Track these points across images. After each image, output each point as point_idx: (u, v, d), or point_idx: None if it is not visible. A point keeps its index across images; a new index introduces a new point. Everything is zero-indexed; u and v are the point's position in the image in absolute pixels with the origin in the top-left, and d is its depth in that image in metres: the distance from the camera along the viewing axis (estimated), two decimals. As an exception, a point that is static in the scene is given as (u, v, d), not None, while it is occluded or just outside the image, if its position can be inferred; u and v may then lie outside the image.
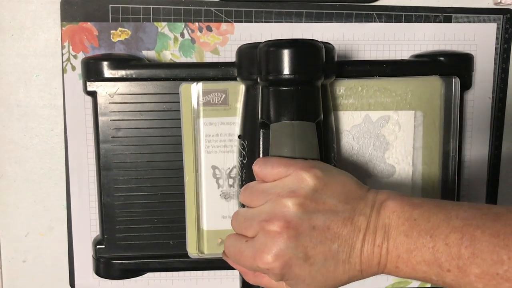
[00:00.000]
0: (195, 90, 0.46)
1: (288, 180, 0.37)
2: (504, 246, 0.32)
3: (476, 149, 0.54)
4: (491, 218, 0.33)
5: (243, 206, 0.41)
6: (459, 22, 0.53)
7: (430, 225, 0.35)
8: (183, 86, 0.46)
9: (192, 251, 0.48)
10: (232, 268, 0.43)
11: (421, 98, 0.47)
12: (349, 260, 0.36)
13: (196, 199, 0.48)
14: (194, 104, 0.47)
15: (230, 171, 0.48)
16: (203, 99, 0.47)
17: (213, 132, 0.47)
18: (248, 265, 0.37)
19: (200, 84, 0.46)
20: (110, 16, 0.51)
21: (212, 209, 0.48)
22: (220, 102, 0.47)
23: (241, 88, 0.46)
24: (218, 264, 0.50)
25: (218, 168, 0.48)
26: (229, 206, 0.48)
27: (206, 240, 0.48)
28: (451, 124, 0.48)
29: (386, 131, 0.47)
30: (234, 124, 0.47)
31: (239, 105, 0.46)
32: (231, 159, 0.48)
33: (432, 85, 0.47)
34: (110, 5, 0.51)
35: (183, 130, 0.47)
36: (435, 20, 0.53)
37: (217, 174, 0.48)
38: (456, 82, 0.47)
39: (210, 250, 0.49)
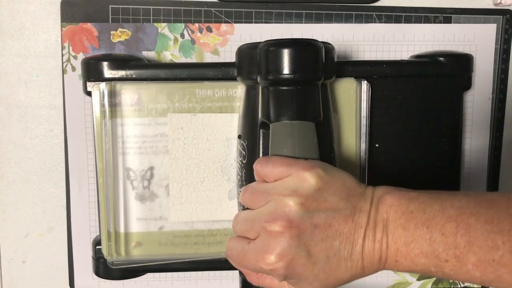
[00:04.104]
0: (106, 90, 0.46)
1: (289, 180, 0.37)
2: (498, 232, 0.32)
3: (476, 149, 0.54)
4: (485, 205, 0.34)
5: (243, 206, 0.41)
6: (458, 23, 0.53)
7: (426, 216, 0.35)
8: (94, 86, 0.46)
9: (106, 253, 0.47)
10: (232, 268, 0.43)
11: (336, 101, 0.47)
12: (351, 257, 0.36)
13: (106, 201, 0.46)
14: (105, 105, 0.46)
15: (145, 173, 0.47)
16: (115, 100, 0.46)
17: (126, 134, 0.46)
18: (252, 266, 0.37)
19: (112, 84, 0.46)
20: (110, 16, 0.51)
21: (126, 211, 0.47)
22: (133, 103, 0.46)
23: (241, 88, 0.46)
24: (218, 264, 0.50)
25: (132, 169, 0.47)
26: (144, 208, 0.48)
27: (120, 243, 0.47)
28: (361, 127, 0.47)
29: None
30: (147, 126, 0.46)
31: (240, 105, 0.46)
32: (146, 160, 0.47)
33: (346, 87, 0.47)
34: (110, 6, 0.51)
35: (95, 130, 0.46)
36: (435, 20, 0.53)
37: (131, 176, 0.47)
38: (364, 84, 0.46)
39: (125, 253, 0.48)
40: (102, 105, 0.46)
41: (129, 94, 0.46)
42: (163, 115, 0.46)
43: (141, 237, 0.48)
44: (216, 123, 0.47)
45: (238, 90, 0.47)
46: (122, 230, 0.48)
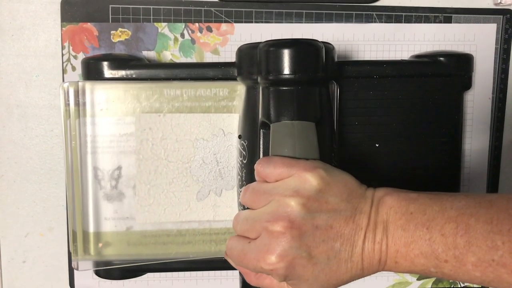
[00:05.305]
0: (72, 90, 0.45)
1: (291, 180, 0.37)
2: (498, 232, 0.32)
3: (476, 149, 0.54)
4: (485, 206, 0.34)
5: (243, 206, 0.41)
6: (459, 23, 0.53)
7: (426, 217, 0.35)
8: (62, 85, 0.45)
9: (73, 253, 0.47)
10: (232, 269, 0.43)
11: None
12: (351, 258, 0.36)
13: (71, 200, 0.46)
14: (72, 104, 0.45)
15: (112, 173, 0.47)
16: (83, 99, 0.45)
17: (94, 133, 0.46)
18: (252, 266, 0.37)
19: (77, 83, 0.45)
20: (110, 16, 0.51)
21: (94, 210, 0.47)
22: (100, 102, 0.46)
23: (241, 88, 0.46)
24: (218, 264, 0.50)
25: (100, 169, 0.47)
26: (112, 208, 0.47)
27: (88, 242, 0.47)
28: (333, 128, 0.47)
29: None
30: (115, 125, 0.46)
31: (240, 104, 0.46)
32: (114, 160, 0.46)
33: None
34: (110, 6, 0.51)
35: (63, 129, 0.46)
36: (435, 20, 0.53)
37: (98, 175, 0.47)
38: (333, 86, 0.45)
39: (93, 253, 0.47)
40: (67, 104, 0.45)
41: (96, 93, 0.46)
42: (131, 115, 0.46)
43: (109, 237, 0.47)
44: (185, 124, 0.47)
45: (207, 90, 0.46)
46: (91, 229, 0.47)
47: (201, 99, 0.46)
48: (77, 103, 0.45)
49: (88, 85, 0.46)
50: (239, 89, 0.46)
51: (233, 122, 0.47)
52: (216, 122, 0.47)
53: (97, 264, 0.48)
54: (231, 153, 0.47)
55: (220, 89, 0.46)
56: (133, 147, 0.46)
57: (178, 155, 0.47)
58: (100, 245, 0.47)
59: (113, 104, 0.46)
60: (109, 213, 0.47)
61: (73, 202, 0.46)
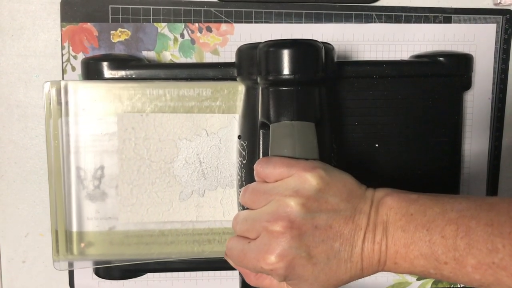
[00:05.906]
0: (55, 89, 0.45)
1: (290, 180, 0.37)
2: (498, 235, 0.32)
3: (476, 149, 0.54)
4: (485, 208, 0.34)
5: (243, 206, 0.41)
6: (458, 23, 0.53)
7: (426, 219, 0.35)
8: (45, 84, 0.45)
9: (54, 253, 0.47)
10: (232, 269, 0.43)
11: None
12: (351, 259, 0.36)
13: (55, 199, 0.46)
14: (54, 103, 0.45)
15: (95, 172, 0.46)
16: (64, 98, 0.45)
17: (77, 132, 0.46)
18: (252, 266, 0.37)
19: (60, 83, 0.45)
20: (110, 16, 0.51)
21: (77, 210, 0.47)
22: (83, 102, 0.46)
23: (241, 88, 0.46)
24: (218, 264, 0.50)
25: (83, 169, 0.46)
26: (95, 207, 0.47)
27: (71, 242, 0.47)
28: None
29: None
30: (98, 125, 0.46)
31: (240, 105, 0.46)
32: (97, 160, 0.46)
33: None
34: (110, 6, 0.51)
35: (46, 129, 0.46)
36: (435, 20, 0.53)
37: (81, 175, 0.46)
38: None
39: (76, 253, 0.47)
40: (49, 104, 0.45)
41: (79, 92, 0.46)
42: (114, 115, 0.46)
43: (92, 236, 0.47)
44: (168, 123, 0.47)
45: (191, 90, 0.46)
46: (74, 229, 0.47)
47: (184, 99, 0.46)
48: (59, 103, 0.45)
49: (71, 84, 0.45)
50: (239, 89, 0.46)
51: (216, 122, 0.47)
52: (199, 122, 0.47)
53: (79, 264, 0.48)
54: (214, 154, 0.47)
55: (203, 89, 0.46)
56: (116, 147, 0.46)
57: (161, 155, 0.47)
58: (83, 245, 0.47)
59: (96, 103, 0.46)
60: (92, 213, 0.47)
61: (55, 201, 0.46)
